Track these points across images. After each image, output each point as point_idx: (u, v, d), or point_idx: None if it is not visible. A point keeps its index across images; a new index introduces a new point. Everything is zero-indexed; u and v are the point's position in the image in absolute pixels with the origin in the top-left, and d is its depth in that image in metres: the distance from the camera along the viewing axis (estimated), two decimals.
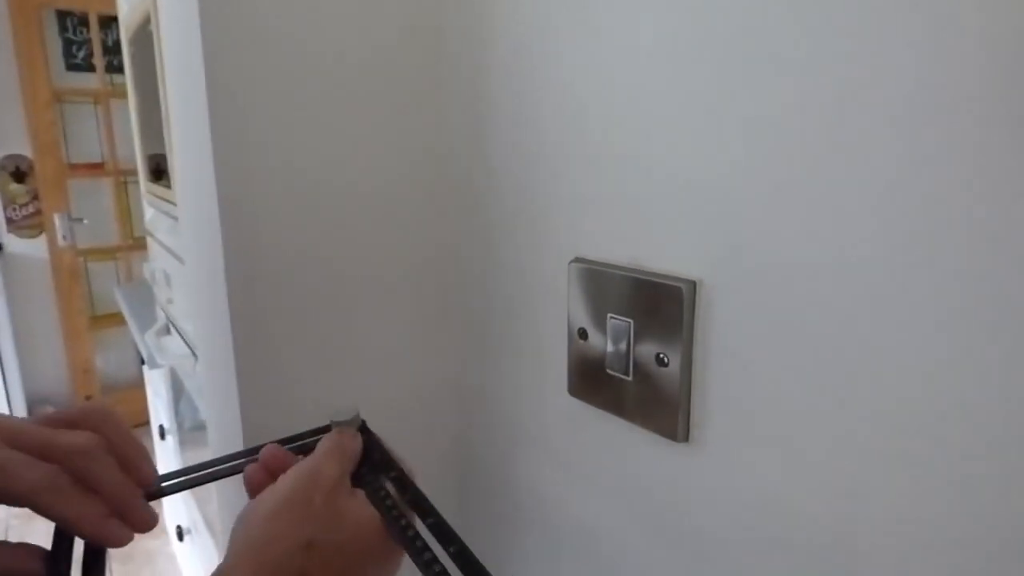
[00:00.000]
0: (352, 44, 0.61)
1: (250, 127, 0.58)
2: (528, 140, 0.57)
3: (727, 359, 0.43)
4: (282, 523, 0.36)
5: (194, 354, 1.05)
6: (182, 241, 0.99)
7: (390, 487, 0.40)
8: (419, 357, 0.71)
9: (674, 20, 0.43)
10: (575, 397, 0.56)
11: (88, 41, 2.93)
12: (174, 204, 1.02)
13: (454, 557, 0.36)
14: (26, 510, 0.35)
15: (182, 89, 0.70)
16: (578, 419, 0.57)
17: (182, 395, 1.41)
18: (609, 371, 0.51)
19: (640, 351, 0.48)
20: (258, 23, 0.57)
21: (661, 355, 0.47)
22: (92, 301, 3.12)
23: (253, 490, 0.40)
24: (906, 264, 0.33)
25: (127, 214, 3.10)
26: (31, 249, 2.91)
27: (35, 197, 2.87)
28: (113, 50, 2.94)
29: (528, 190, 0.58)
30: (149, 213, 1.52)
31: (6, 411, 2.76)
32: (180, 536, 1.59)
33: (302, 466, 0.39)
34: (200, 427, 1.19)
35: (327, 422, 0.43)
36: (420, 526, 0.38)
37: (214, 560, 1.21)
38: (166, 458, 1.72)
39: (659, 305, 0.46)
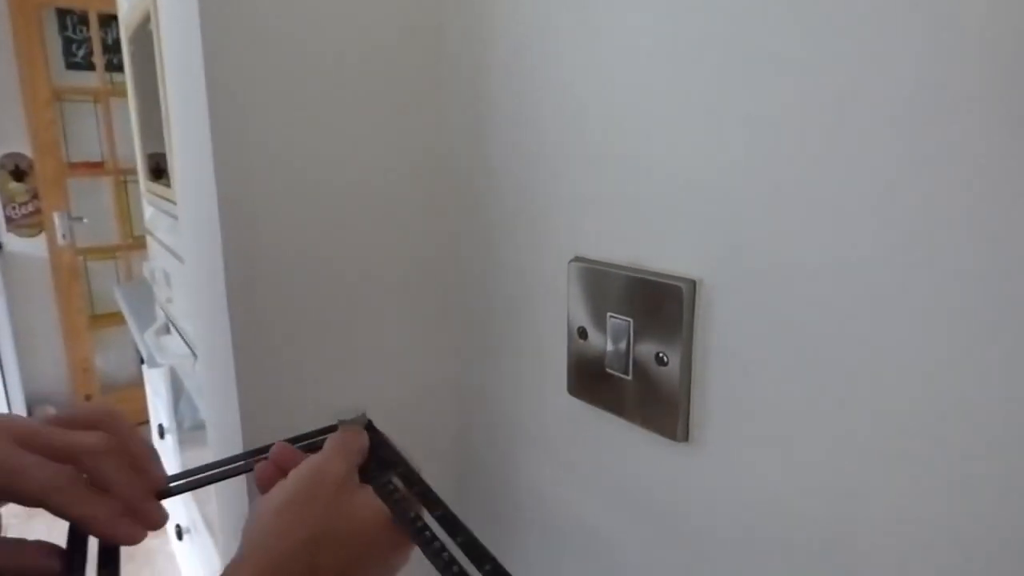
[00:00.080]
0: (352, 44, 0.61)
1: (250, 126, 0.58)
2: (528, 140, 0.57)
3: (727, 359, 0.43)
4: (292, 516, 0.37)
5: (193, 353, 1.05)
6: (182, 240, 0.99)
7: (397, 482, 0.41)
8: (419, 357, 0.71)
9: (674, 20, 0.43)
10: (575, 397, 0.56)
11: (88, 40, 2.93)
12: (174, 203, 1.02)
13: (462, 547, 0.36)
14: (25, 508, 0.35)
15: (182, 88, 0.70)
16: (578, 419, 0.57)
17: (181, 394, 1.41)
18: (609, 370, 0.51)
19: (640, 350, 0.48)
20: (258, 22, 0.57)
21: (661, 354, 0.47)
22: (92, 300, 3.12)
23: (264, 486, 0.41)
24: (906, 264, 0.33)
25: (127, 213, 3.10)
26: (31, 248, 2.91)
27: (35, 196, 2.87)
28: (113, 49, 2.94)
29: (528, 190, 0.58)
30: (149, 212, 1.52)
31: (5, 410, 2.76)
32: (179, 535, 1.59)
33: (310, 462, 0.40)
34: (200, 426, 1.19)
35: (334, 421, 0.44)
36: (428, 518, 0.39)
37: (213, 559, 1.21)
38: (165, 457, 1.71)
39: (659, 304, 0.46)
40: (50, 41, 2.84)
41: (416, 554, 0.38)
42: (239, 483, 0.64)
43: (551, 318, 0.58)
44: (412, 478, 0.42)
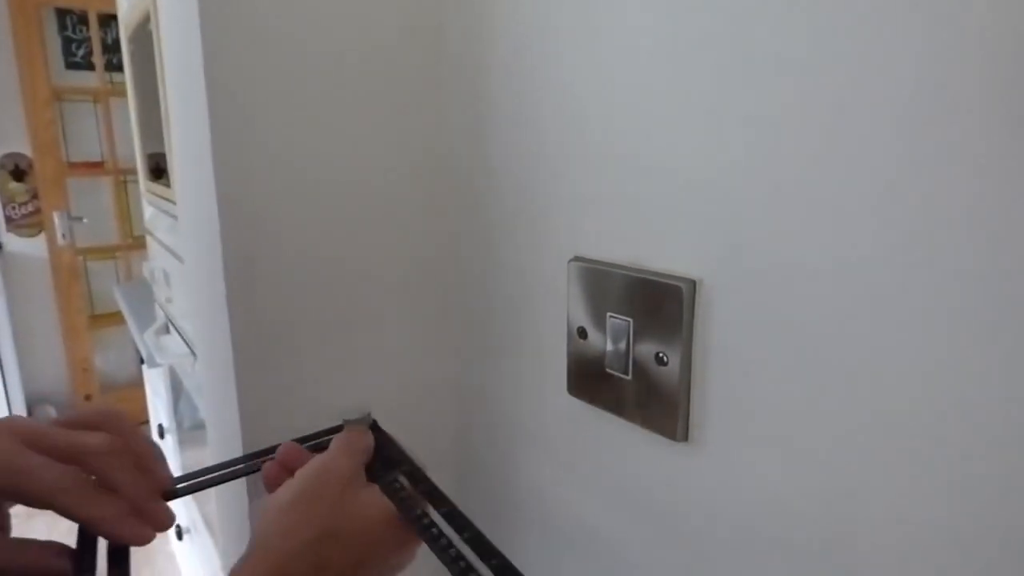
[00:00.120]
0: (352, 44, 0.61)
1: (249, 126, 0.58)
2: (528, 140, 0.57)
3: (727, 358, 0.43)
4: (298, 515, 0.37)
5: (193, 353, 1.05)
6: (181, 240, 0.99)
7: (403, 480, 0.41)
8: (419, 357, 0.71)
9: (674, 20, 0.43)
10: (574, 396, 0.56)
11: (88, 39, 2.93)
12: (173, 203, 1.01)
13: (468, 542, 0.37)
14: (25, 508, 0.35)
15: (182, 88, 0.70)
16: (577, 418, 0.57)
17: (181, 394, 1.41)
18: (608, 370, 0.51)
19: (639, 350, 0.48)
20: (258, 22, 0.57)
21: (661, 354, 0.47)
22: (91, 300, 3.12)
23: (271, 486, 0.41)
24: (906, 264, 0.33)
25: (126, 213, 3.10)
26: (30, 248, 2.91)
27: (34, 196, 2.87)
28: (113, 48, 2.94)
29: (528, 190, 0.58)
30: (148, 212, 1.52)
31: (5, 410, 2.76)
32: (179, 535, 1.59)
33: (316, 461, 0.41)
34: (199, 426, 1.19)
35: (339, 422, 0.45)
36: (434, 516, 0.39)
37: (213, 559, 1.21)
38: (166, 457, 1.71)
39: (659, 304, 0.46)
40: (50, 41, 2.84)
41: (423, 550, 0.38)
42: (239, 483, 0.64)
43: (551, 318, 0.58)
44: (418, 476, 0.42)
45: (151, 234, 1.52)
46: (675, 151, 0.45)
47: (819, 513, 0.39)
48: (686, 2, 0.42)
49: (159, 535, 0.38)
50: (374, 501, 0.39)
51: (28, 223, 2.90)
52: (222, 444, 0.75)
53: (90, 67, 2.95)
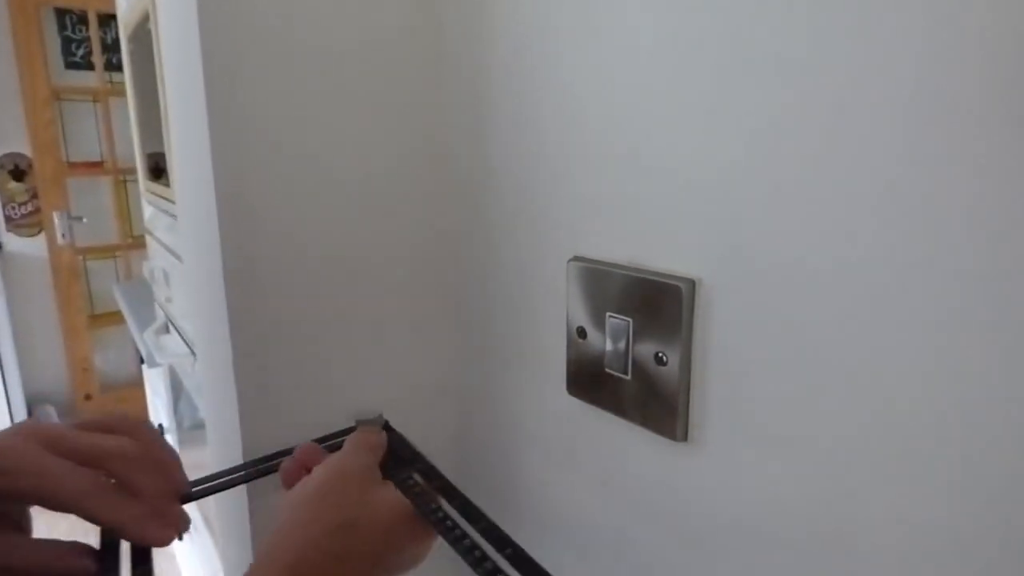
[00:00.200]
0: (352, 43, 0.61)
1: (249, 126, 0.58)
2: (528, 140, 0.57)
3: (726, 358, 0.43)
4: (317, 506, 0.38)
5: (193, 353, 1.05)
6: (181, 239, 0.99)
7: (417, 477, 0.43)
8: (418, 356, 0.71)
9: (674, 20, 0.43)
10: (574, 396, 0.56)
11: (87, 39, 2.93)
12: (173, 202, 1.01)
13: (482, 533, 0.38)
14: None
15: (181, 87, 0.70)
16: (577, 418, 0.57)
17: (181, 394, 1.41)
18: (608, 370, 0.51)
19: (639, 350, 0.48)
20: (257, 21, 0.57)
21: (660, 354, 0.47)
22: (91, 300, 3.12)
23: (289, 482, 0.43)
24: (906, 264, 0.33)
25: (126, 212, 3.10)
26: (30, 248, 2.91)
27: (34, 196, 2.87)
28: (112, 48, 2.94)
29: (528, 190, 0.58)
30: (148, 211, 1.52)
31: (5, 410, 2.76)
32: (179, 535, 1.59)
33: (333, 458, 0.42)
34: (199, 426, 1.19)
35: (352, 423, 0.47)
36: (448, 510, 0.40)
37: (213, 559, 1.21)
38: None
39: (658, 304, 0.46)
40: (49, 41, 2.84)
41: (439, 544, 0.39)
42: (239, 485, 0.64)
43: (550, 318, 0.58)
44: (431, 473, 0.43)
45: (151, 233, 1.52)
46: (675, 151, 0.45)
47: (819, 513, 0.39)
48: (686, 2, 0.42)
49: None
50: (390, 496, 0.40)
51: (28, 223, 2.90)
52: (222, 444, 0.75)
53: (90, 67, 2.95)
